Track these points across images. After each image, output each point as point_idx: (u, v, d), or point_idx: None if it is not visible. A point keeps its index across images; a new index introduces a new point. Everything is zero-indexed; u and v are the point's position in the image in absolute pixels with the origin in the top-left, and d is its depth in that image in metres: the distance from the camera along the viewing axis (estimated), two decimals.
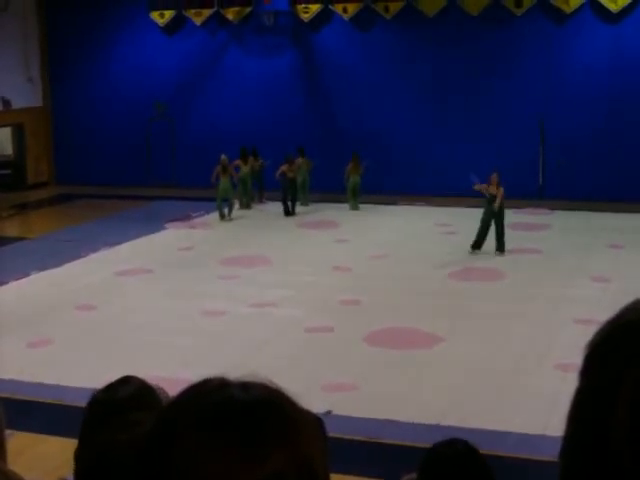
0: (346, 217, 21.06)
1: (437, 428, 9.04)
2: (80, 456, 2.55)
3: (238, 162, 22.28)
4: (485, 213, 16.81)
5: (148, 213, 22.29)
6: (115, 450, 2.27)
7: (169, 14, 25.53)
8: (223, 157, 21.25)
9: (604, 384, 0.99)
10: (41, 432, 9.38)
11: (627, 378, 0.96)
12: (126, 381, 2.62)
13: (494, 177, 16.83)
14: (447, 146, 23.01)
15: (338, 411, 9.59)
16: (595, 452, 0.98)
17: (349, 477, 7.91)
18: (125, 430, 2.33)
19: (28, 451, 8.62)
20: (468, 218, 19.88)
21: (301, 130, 23.94)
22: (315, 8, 24.16)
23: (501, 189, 16.69)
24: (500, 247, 16.83)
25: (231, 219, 21.08)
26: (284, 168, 21.75)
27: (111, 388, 2.59)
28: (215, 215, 21.29)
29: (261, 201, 23.11)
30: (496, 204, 16.60)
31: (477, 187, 16.99)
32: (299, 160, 22.18)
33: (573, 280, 14.98)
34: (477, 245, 16.92)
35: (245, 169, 22.29)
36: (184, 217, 21.34)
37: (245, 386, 1.06)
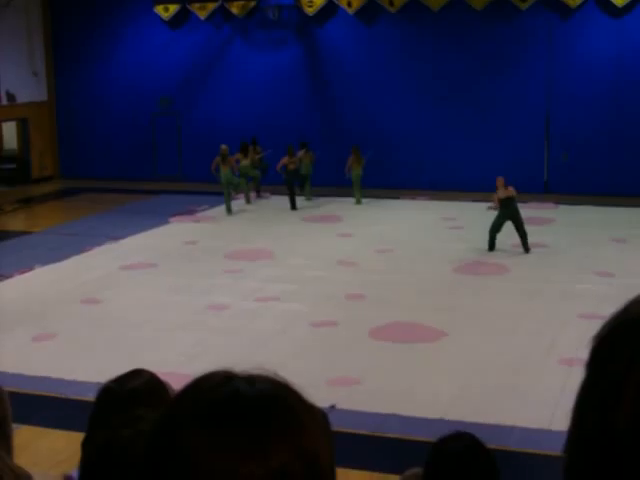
0: (350, 211, 21.06)
1: (441, 422, 9.04)
2: (86, 446, 2.57)
3: (238, 155, 22.34)
4: (498, 216, 16.50)
5: (152, 207, 22.30)
6: (117, 445, 2.28)
7: (173, 8, 25.52)
8: (223, 147, 21.28)
9: (610, 377, 0.98)
10: (46, 426, 9.39)
11: (633, 373, 0.96)
12: (137, 373, 2.65)
13: (500, 180, 16.57)
14: (451, 140, 22.99)
15: (342, 405, 9.59)
16: (600, 445, 0.97)
17: (353, 471, 7.92)
18: (128, 424, 2.35)
19: (33, 445, 8.64)
20: (473, 212, 19.90)
21: (305, 124, 23.94)
22: (320, 2, 24.12)
23: (510, 188, 16.48)
24: (526, 247, 16.52)
25: (236, 207, 21.09)
26: (285, 160, 21.78)
27: (122, 379, 2.62)
28: (219, 209, 21.31)
29: (259, 195, 23.08)
30: (510, 195, 16.52)
31: (492, 205, 16.78)
32: (301, 153, 22.20)
33: (578, 275, 14.97)
34: (491, 247, 16.70)
35: (245, 162, 22.34)
36: (189, 211, 21.36)
37: (251, 380, 1.05)
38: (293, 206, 21.47)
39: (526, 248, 16.52)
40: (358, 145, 21.94)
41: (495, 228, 16.57)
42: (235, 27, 25.17)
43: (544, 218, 19.60)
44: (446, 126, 23.09)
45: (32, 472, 2.79)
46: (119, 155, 26.32)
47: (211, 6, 25.13)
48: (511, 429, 9.07)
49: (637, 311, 1.01)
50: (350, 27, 24.11)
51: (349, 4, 23.94)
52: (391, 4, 23.57)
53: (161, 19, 25.77)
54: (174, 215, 20.82)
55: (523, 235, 16.48)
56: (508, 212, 16.37)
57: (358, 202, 21.82)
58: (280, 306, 13.63)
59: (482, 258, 16.29)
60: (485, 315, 12.95)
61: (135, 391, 2.55)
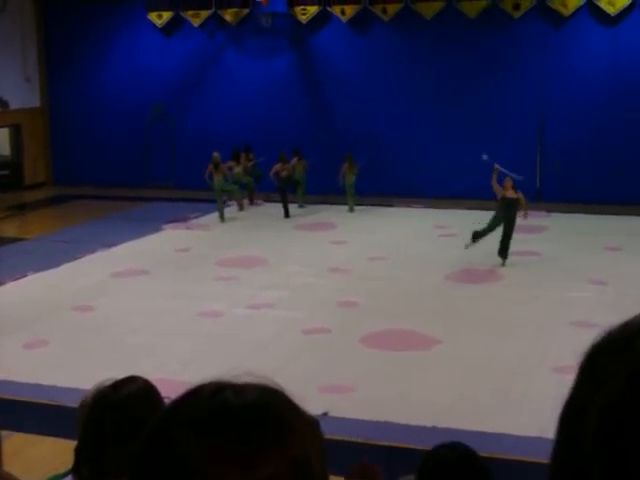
0: (343, 219, 21.06)
1: (434, 430, 9.05)
2: (80, 451, 2.57)
3: (230, 163, 22.36)
4: (495, 218, 16.19)
5: (146, 214, 22.28)
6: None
7: (167, 15, 25.53)
8: (215, 154, 21.28)
9: (582, 394, 0.99)
10: (37, 433, 9.37)
11: (600, 395, 0.95)
12: (131, 380, 2.67)
13: (508, 181, 16.22)
14: (445, 148, 23.02)
15: (335, 413, 9.58)
16: (569, 462, 0.98)
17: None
18: (125, 429, 2.36)
19: (24, 452, 8.60)
20: (466, 220, 19.90)
21: (299, 132, 23.96)
22: (313, 10, 24.17)
23: (521, 194, 16.21)
24: (503, 254, 16.24)
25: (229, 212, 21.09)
26: (277, 167, 21.80)
27: (116, 385, 2.64)
28: (212, 216, 21.30)
29: (252, 203, 23.08)
30: (523, 214, 16.21)
31: (495, 186, 16.29)
32: (294, 161, 22.22)
33: (570, 282, 14.98)
34: (475, 237, 16.26)
35: (237, 169, 22.38)
36: (182, 218, 21.33)
37: (240, 389, 1.05)
38: (286, 214, 21.47)
39: (503, 256, 16.20)
40: (351, 153, 21.96)
41: (490, 228, 16.22)
42: (228, 35, 25.19)
43: (536, 226, 19.60)
44: (440, 134, 23.12)
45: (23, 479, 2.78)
46: (112, 162, 26.29)
47: (205, 13, 25.16)
48: (503, 436, 9.08)
49: (622, 334, 1.00)
50: (343, 35, 24.15)
51: (342, 12, 23.99)
52: (384, 12, 23.62)
53: (155, 26, 25.78)
54: (167, 222, 20.80)
55: (506, 244, 16.18)
56: (507, 215, 16.03)
57: (351, 210, 21.83)
58: (273, 313, 13.62)
59: (475, 265, 16.29)
60: (478, 322, 12.96)
61: (130, 397, 2.57)
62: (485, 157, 17.04)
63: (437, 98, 23.12)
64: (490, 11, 22.66)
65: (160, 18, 25.62)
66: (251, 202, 23.09)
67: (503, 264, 16.21)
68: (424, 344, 12.11)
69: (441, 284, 15.17)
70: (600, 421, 0.93)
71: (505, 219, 16.14)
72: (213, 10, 25.02)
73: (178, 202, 23.46)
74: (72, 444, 2.58)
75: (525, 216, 16.39)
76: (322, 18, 24.20)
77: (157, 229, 20.13)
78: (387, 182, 23.24)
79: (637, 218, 20.04)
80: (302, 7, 24.25)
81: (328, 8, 24.07)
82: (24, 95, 26.53)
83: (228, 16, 24.96)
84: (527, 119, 22.50)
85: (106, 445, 2.49)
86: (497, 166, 16.61)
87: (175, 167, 25.83)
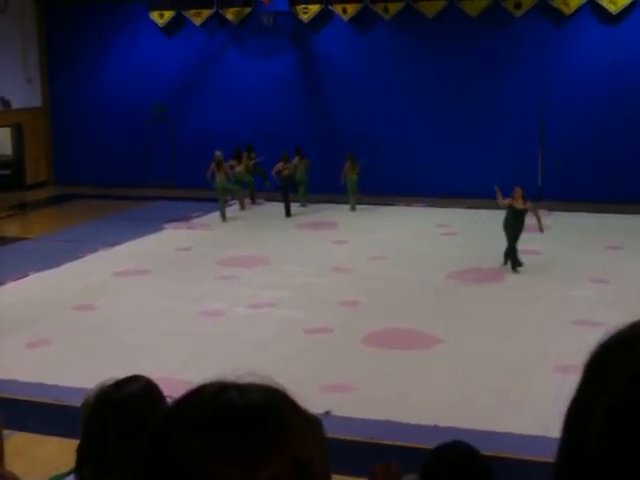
0: (345, 218, 21.05)
1: (436, 429, 9.05)
2: (82, 451, 2.58)
3: (232, 162, 22.37)
4: (506, 227, 15.77)
5: (147, 214, 22.27)
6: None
7: (169, 14, 25.53)
8: (217, 153, 21.29)
9: (587, 394, 0.99)
10: (40, 433, 9.37)
11: (605, 394, 0.95)
12: (134, 379, 2.68)
13: (517, 191, 15.81)
14: (446, 147, 23.01)
15: (337, 412, 9.59)
16: (574, 462, 0.98)
17: (347, 478, 7.90)
18: (128, 428, 2.37)
19: (27, 452, 8.61)
20: (467, 219, 19.93)
21: (300, 131, 23.95)
22: (314, 9, 24.16)
23: (529, 205, 15.89)
24: (506, 258, 15.97)
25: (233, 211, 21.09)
26: (279, 166, 21.80)
27: (119, 384, 2.65)
28: (214, 216, 21.30)
29: (253, 202, 23.09)
30: (540, 226, 15.91)
31: (500, 202, 15.97)
32: (296, 160, 22.21)
33: (572, 281, 14.97)
34: (514, 262, 15.90)
35: (239, 168, 22.41)
36: (183, 218, 21.33)
37: (243, 390, 1.05)
38: (288, 213, 21.47)
39: (505, 261, 15.94)
40: (353, 152, 21.95)
41: (511, 240, 15.80)
42: (230, 34, 25.18)
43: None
44: (441, 133, 23.11)
45: (26, 479, 2.79)
46: (113, 161, 26.29)
47: (206, 12, 25.15)
48: (505, 435, 9.08)
49: (627, 336, 1.00)
50: (345, 34, 24.14)
51: (344, 11, 23.98)
52: (386, 11, 23.61)
53: (156, 25, 25.77)
54: (168, 222, 20.80)
55: (511, 250, 15.93)
56: (514, 223, 15.71)
57: (353, 209, 21.83)
58: (274, 313, 13.62)
59: (476, 265, 16.28)
60: (480, 322, 12.96)
61: (132, 396, 2.57)
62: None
63: (437, 98, 23.11)
64: (491, 10, 22.65)
65: (162, 17, 25.61)
66: (252, 201, 23.09)
67: (504, 264, 16.14)
68: (425, 343, 12.12)
69: (442, 283, 15.16)
70: (605, 421, 0.93)
71: (513, 224, 15.92)
72: (215, 9, 25.01)
73: (179, 201, 23.46)
74: (76, 444, 2.58)
75: (541, 230, 16.17)
76: (323, 17, 24.19)
77: (158, 229, 20.13)
78: (388, 181, 23.23)
79: (638, 217, 20.03)
80: (304, 6, 24.25)
81: (330, 7, 24.06)
82: (25, 95, 26.54)
83: (230, 15, 24.96)
84: (527, 119, 22.48)
85: (108, 444, 2.49)
86: (497, 188, 16.21)
87: (176, 167, 25.82)
